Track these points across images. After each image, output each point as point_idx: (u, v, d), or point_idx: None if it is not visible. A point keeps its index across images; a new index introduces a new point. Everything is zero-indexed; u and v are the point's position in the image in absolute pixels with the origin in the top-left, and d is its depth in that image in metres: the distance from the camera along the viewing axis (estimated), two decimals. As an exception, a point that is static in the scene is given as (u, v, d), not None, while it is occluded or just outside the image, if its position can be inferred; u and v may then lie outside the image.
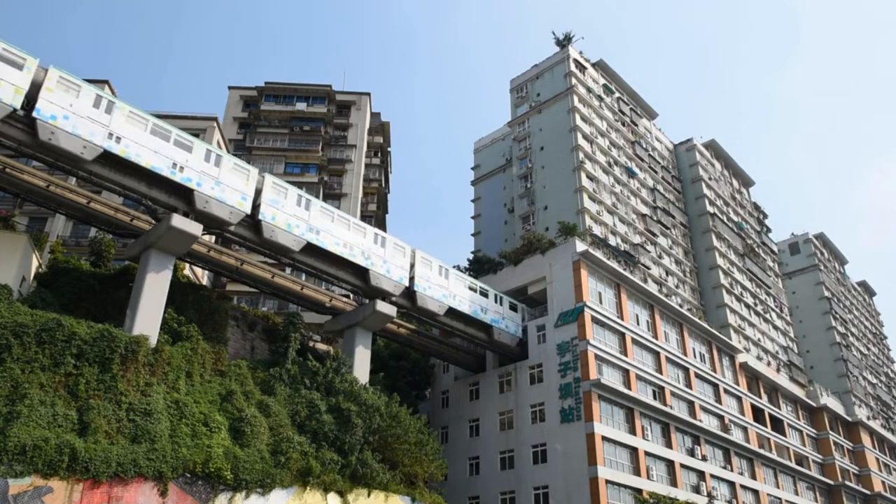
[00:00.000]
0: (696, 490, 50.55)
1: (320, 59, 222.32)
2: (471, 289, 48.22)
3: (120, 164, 32.26)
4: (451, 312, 46.13)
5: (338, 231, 40.05)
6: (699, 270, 77.55)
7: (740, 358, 66.88)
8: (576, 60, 73.84)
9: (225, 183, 35.15)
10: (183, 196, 34.10)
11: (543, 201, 66.71)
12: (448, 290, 46.02)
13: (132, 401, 28.16)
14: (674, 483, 48.95)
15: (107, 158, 31.74)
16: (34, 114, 29.59)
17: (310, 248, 38.78)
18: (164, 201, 33.69)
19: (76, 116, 30.58)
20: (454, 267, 50.42)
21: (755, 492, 58.59)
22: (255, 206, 36.52)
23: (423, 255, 45.09)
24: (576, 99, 69.62)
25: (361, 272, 41.10)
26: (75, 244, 44.48)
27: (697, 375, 58.47)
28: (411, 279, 43.63)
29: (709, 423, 56.51)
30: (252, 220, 36.60)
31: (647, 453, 47.60)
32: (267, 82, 66.62)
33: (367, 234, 41.82)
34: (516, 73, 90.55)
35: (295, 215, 38.01)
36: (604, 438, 44.38)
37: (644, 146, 78.74)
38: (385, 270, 41.87)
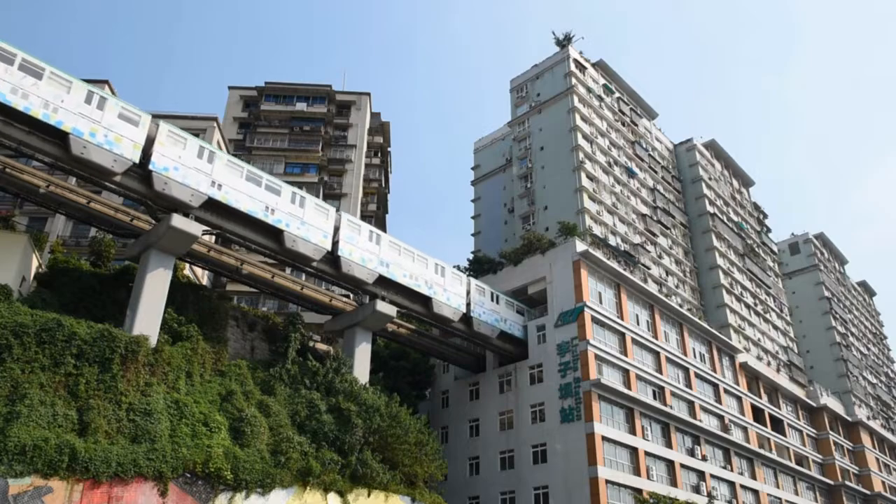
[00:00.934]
0: (696, 490, 50.54)
1: (320, 59, 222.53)
2: (518, 312, 51.26)
3: (220, 208, 35.13)
4: (502, 335, 49.37)
5: (404, 263, 43.18)
6: (699, 270, 77.54)
7: (740, 358, 66.85)
8: (576, 60, 73.82)
9: (309, 223, 38.17)
10: (273, 236, 37.05)
11: (543, 201, 66.71)
12: (500, 314, 49.34)
13: (132, 401, 28.15)
14: (674, 483, 48.94)
15: (209, 204, 34.55)
16: (150, 166, 32.49)
17: (380, 280, 41.59)
18: (257, 241, 36.86)
19: (184, 167, 33.60)
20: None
21: (755, 492, 58.58)
22: (334, 243, 39.39)
23: (477, 283, 48.73)
24: (576, 99, 69.60)
25: (424, 300, 44.10)
26: (75, 244, 44.41)
27: (697, 375, 58.46)
28: (468, 305, 46.76)
29: (709, 423, 56.49)
30: (331, 256, 39.32)
31: (647, 453, 47.59)
32: (267, 82, 66.61)
33: (428, 265, 44.83)
34: (516, 73, 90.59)
35: (368, 250, 41.08)
36: (604, 438, 44.37)
37: (644, 146, 78.72)
38: (445, 298, 45.03)
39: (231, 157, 36.70)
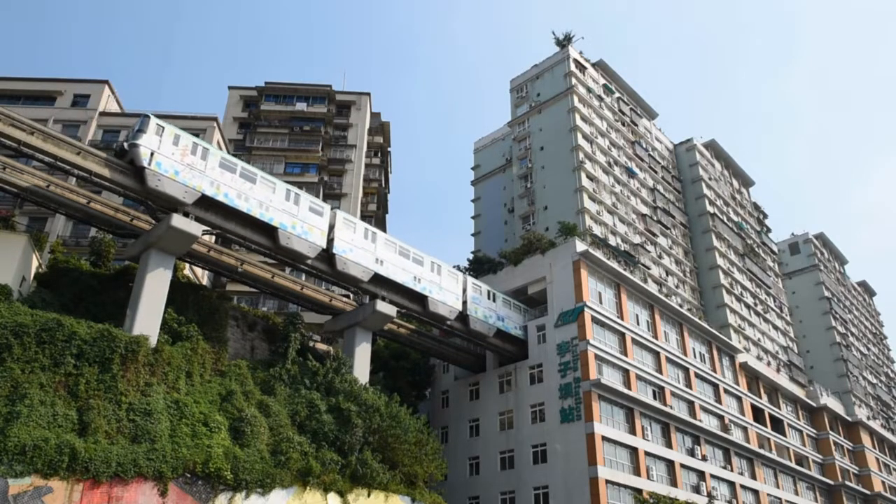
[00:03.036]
0: (696, 490, 50.53)
1: (320, 59, 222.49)
2: None
3: (381, 280, 41.46)
4: None
5: (514, 316, 50.40)
6: (699, 270, 77.52)
7: (740, 358, 66.84)
8: (576, 60, 73.79)
9: (445, 288, 45.14)
10: (418, 300, 43.70)
11: (543, 201, 66.68)
12: None
13: (132, 401, 28.13)
14: (674, 483, 48.93)
15: (374, 278, 40.87)
16: (333, 250, 38.80)
17: (497, 332, 48.41)
18: (407, 305, 43.24)
19: (356, 248, 40.12)
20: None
21: (755, 492, 58.57)
22: (463, 303, 46.08)
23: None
24: (576, 99, 69.59)
25: (521, 344, 50.52)
26: (75, 244, 44.44)
27: (697, 375, 58.45)
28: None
29: (709, 423, 56.48)
30: (460, 315, 45.97)
31: (647, 453, 47.58)
32: (267, 82, 66.58)
33: (523, 313, 51.75)
34: (516, 73, 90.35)
35: (488, 307, 48.12)
36: (604, 438, 44.36)
37: (644, 146, 78.71)
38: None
39: (387, 235, 43.31)
